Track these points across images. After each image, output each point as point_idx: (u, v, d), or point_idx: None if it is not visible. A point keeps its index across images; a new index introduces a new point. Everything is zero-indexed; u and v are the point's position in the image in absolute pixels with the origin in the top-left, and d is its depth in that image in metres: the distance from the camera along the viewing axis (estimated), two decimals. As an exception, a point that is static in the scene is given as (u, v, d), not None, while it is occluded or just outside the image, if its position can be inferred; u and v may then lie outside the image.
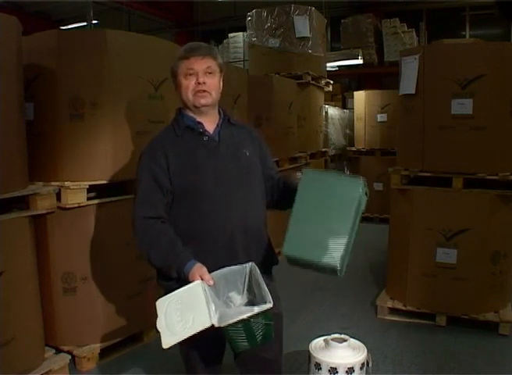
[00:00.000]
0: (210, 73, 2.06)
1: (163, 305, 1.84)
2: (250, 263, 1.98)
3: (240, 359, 2.27)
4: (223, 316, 1.77)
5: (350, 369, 2.19)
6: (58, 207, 3.19)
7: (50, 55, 3.30)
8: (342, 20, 10.68)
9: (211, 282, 1.88)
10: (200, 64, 2.04)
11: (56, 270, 3.34)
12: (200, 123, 2.10)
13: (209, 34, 13.09)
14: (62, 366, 3.19)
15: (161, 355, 3.51)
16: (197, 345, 2.14)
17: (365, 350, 2.28)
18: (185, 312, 1.79)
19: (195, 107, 2.09)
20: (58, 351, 3.33)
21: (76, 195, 3.22)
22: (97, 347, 3.40)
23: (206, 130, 2.11)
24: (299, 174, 1.99)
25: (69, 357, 3.29)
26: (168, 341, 1.75)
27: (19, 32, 2.97)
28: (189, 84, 2.06)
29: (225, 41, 11.42)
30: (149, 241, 2.00)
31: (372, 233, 7.21)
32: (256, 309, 1.75)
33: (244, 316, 1.73)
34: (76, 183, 3.23)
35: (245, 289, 2.00)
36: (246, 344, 1.85)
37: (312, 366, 2.27)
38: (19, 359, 2.93)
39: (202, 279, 1.87)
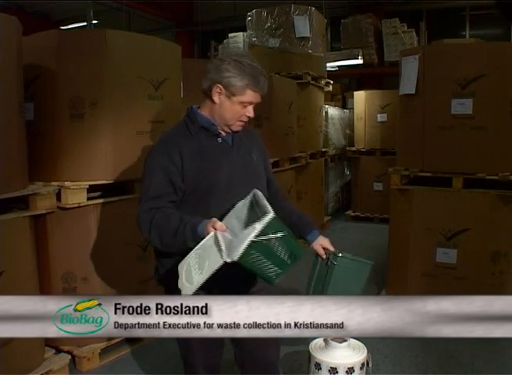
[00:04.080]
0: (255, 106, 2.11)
1: (183, 266, 1.76)
2: (252, 191, 1.94)
3: (238, 359, 2.29)
4: (231, 250, 1.67)
5: (350, 369, 2.19)
6: (58, 207, 3.19)
7: (50, 55, 3.30)
8: (342, 20, 10.64)
9: (224, 227, 1.79)
10: (257, 99, 2.08)
11: (56, 270, 3.34)
12: (215, 125, 2.11)
13: (209, 34, 13.06)
14: (62, 366, 3.20)
15: (161, 355, 3.52)
16: (196, 345, 2.15)
17: (365, 350, 2.28)
18: (202, 263, 1.71)
19: (230, 129, 2.11)
20: (58, 351, 3.33)
21: (76, 195, 3.22)
22: (97, 347, 3.39)
23: (220, 133, 2.12)
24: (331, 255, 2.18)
25: (69, 357, 3.29)
26: (186, 292, 1.68)
27: (19, 32, 2.97)
28: (239, 112, 2.06)
29: (225, 41, 11.39)
30: (157, 226, 1.94)
31: (372, 233, 7.23)
32: (257, 226, 1.65)
33: (249, 239, 1.63)
34: (76, 183, 3.23)
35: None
36: (277, 269, 1.74)
37: (312, 366, 2.26)
38: (19, 359, 2.93)
39: (215, 229, 1.79)
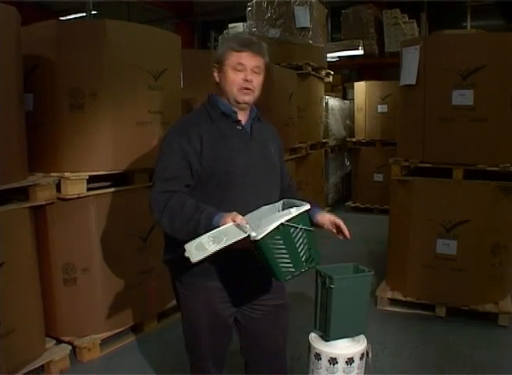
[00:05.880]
0: (257, 72, 2.07)
1: (192, 244, 1.68)
2: (281, 200, 1.96)
3: (245, 351, 2.30)
4: (258, 229, 1.65)
5: (350, 360, 2.19)
6: (58, 198, 3.20)
7: (49, 45, 3.29)
8: (342, 11, 10.58)
9: (244, 222, 1.76)
10: (251, 61, 2.04)
11: (57, 261, 3.35)
12: (235, 111, 2.11)
13: (209, 25, 12.98)
14: (62, 357, 3.21)
15: (161, 345, 3.54)
16: (204, 339, 2.15)
17: (365, 341, 2.28)
18: (217, 239, 1.66)
19: (237, 102, 2.08)
20: (59, 341, 3.35)
21: (76, 186, 3.21)
22: (97, 337, 3.41)
23: (240, 120, 2.12)
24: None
25: (70, 348, 3.31)
26: (196, 256, 1.63)
27: (18, 22, 2.96)
28: (236, 79, 2.04)
29: (225, 31, 11.33)
30: (171, 210, 1.91)
31: (372, 224, 7.23)
32: (293, 211, 1.66)
33: (282, 221, 1.63)
34: (76, 173, 3.22)
35: None
36: (291, 267, 1.72)
37: (312, 357, 2.27)
38: (20, 350, 2.95)
39: (234, 221, 1.77)
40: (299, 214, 1.67)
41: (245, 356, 2.32)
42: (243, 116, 2.14)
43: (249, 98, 2.07)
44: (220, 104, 2.11)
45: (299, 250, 1.72)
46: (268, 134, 2.24)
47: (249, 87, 2.05)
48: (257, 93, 2.10)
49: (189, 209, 1.88)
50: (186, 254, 1.66)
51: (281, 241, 1.66)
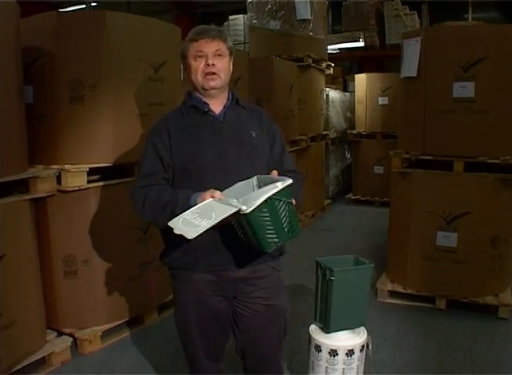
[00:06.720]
0: (219, 55, 2.06)
1: (177, 221, 1.74)
2: (255, 176, 1.97)
3: (239, 351, 2.26)
4: (246, 203, 1.70)
5: (350, 352, 2.21)
6: (59, 190, 3.20)
7: (49, 37, 3.27)
8: (343, 2, 10.54)
9: (223, 197, 1.80)
10: (210, 46, 2.04)
11: (57, 253, 3.35)
12: (205, 103, 2.11)
13: (210, 17, 12.95)
14: (63, 349, 3.22)
15: (161, 337, 3.54)
16: (195, 334, 2.14)
17: (365, 333, 2.29)
18: (204, 215, 1.72)
19: (204, 89, 2.09)
20: (60, 333, 3.36)
21: (77, 178, 3.22)
22: (98, 329, 3.42)
23: (211, 110, 2.11)
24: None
25: (71, 340, 3.32)
26: (191, 233, 1.66)
27: (17, 14, 2.95)
28: (198, 66, 2.05)
29: (225, 23, 11.30)
30: (150, 202, 1.98)
31: (372, 217, 7.25)
32: (279, 184, 1.71)
33: (269, 194, 1.68)
34: (77, 166, 3.23)
35: None
36: (275, 237, 1.77)
37: (312, 348, 2.28)
38: (21, 342, 2.95)
39: (213, 197, 1.80)
40: (284, 188, 1.72)
41: (240, 356, 2.30)
42: (216, 106, 2.13)
43: (215, 83, 2.07)
44: (193, 98, 2.14)
45: (282, 221, 1.77)
46: (248, 119, 2.19)
47: (212, 70, 2.05)
48: (224, 77, 2.09)
49: (166, 195, 1.95)
50: (177, 231, 1.69)
51: (267, 214, 1.72)
